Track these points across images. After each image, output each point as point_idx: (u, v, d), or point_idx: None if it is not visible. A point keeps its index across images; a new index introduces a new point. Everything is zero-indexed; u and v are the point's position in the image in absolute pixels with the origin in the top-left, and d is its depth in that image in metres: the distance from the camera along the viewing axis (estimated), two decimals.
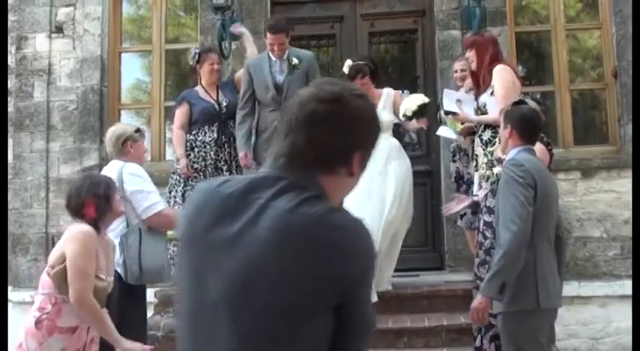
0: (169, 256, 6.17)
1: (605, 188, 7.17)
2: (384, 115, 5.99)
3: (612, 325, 6.84)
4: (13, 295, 7.63)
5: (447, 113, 5.76)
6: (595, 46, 8.01)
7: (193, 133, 6.41)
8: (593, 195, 7.19)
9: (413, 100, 5.95)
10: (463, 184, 6.36)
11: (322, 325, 1.66)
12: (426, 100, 5.98)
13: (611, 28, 7.47)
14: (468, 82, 6.14)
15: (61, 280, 3.55)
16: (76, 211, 3.73)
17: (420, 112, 5.92)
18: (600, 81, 7.79)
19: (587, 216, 7.14)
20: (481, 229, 4.71)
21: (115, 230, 4.39)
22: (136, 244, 4.40)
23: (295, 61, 6.15)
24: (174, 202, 6.34)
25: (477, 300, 4.03)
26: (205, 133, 6.33)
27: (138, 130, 4.85)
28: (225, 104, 6.44)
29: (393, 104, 6.16)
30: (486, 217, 4.62)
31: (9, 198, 7.85)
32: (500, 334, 4.18)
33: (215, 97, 6.48)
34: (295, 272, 1.64)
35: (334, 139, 1.75)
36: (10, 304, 7.56)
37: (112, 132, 4.81)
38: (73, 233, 3.63)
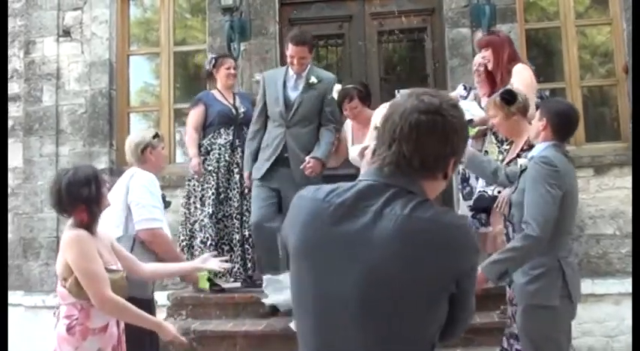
0: None
1: (618, 185, 7.13)
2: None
3: (626, 323, 6.79)
4: (25, 299, 7.65)
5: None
6: (605, 42, 7.96)
7: (209, 136, 6.39)
8: (605, 192, 7.15)
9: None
10: (467, 186, 6.31)
11: (441, 315, 1.90)
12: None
13: (621, 23, 7.43)
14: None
15: (78, 289, 3.52)
16: (64, 212, 3.63)
17: None
18: (611, 77, 7.75)
19: (600, 213, 7.10)
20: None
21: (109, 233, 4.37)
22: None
23: (313, 80, 5.86)
24: (195, 207, 6.33)
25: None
26: (221, 135, 6.31)
27: (156, 136, 4.75)
28: (242, 110, 6.43)
29: None
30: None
31: (20, 203, 7.86)
32: (518, 331, 4.15)
33: (232, 102, 6.47)
34: (418, 270, 1.85)
35: (437, 148, 1.94)
36: (22, 309, 7.58)
37: (130, 140, 4.74)
38: (67, 241, 3.56)
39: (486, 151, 5.44)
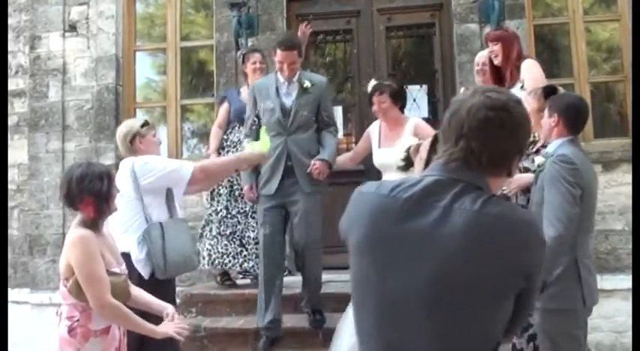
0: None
1: (626, 181, 7.10)
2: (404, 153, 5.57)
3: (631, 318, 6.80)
4: (31, 296, 7.62)
5: None
6: (613, 38, 7.95)
7: (227, 132, 6.52)
8: (614, 188, 7.14)
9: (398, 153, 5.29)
10: None
11: (507, 312, 1.90)
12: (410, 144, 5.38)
13: (629, 19, 7.39)
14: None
15: (78, 290, 3.47)
16: (72, 205, 3.57)
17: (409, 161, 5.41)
18: (619, 73, 7.74)
19: (609, 209, 7.09)
20: None
21: (132, 225, 4.37)
22: (160, 238, 4.34)
23: (307, 83, 5.60)
24: (206, 200, 6.61)
25: None
26: (236, 133, 6.34)
27: (145, 124, 4.69)
28: None
29: (416, 136, 5.36)
30: None
31: (25, 199, 7.82)
32: (537, 332, 4.13)
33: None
34: (487, 266, 1.85)
35: (504, 144, 1.95)
36: (28, 306, 7.55)
37: (119, 131, 4.71)
38: (72, 240, 3.51)
39: None
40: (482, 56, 6.22)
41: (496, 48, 5.61)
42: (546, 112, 4.12)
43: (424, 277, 1.85)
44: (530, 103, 4.61)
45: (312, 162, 5.48)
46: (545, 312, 3.92)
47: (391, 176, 5.17)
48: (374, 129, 5.82)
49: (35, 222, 7.77)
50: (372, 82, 5.78)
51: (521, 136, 1.98)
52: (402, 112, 5.77)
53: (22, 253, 7.75)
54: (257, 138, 5.38)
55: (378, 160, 5.66)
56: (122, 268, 3.71)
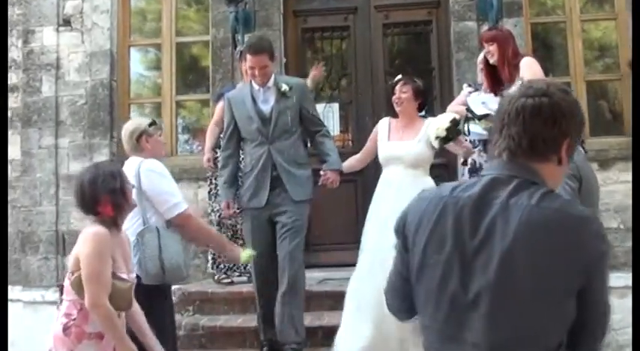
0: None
1: (622, 179, 7.14)
2: (417, 149, 5.35)
3: (631, 316, 6.82)
4: (23, 294, 7.55)
5: (481, 118, 5.77)
6: (607, 37, 7.97)
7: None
8: (610, 186, 7.15)
9: (439, 123, 5.28)
10: (476, 177, 6.28)
11: (569, 310, 1.89)
12: (452, 117, 5.32)
13: (627, 18, 7.41)
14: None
15: (79, 286, 3.42)
16: (90, 209, 3.53)
17: (452, 133, 5.26)
18: (613, 72, 7.77)
19: (605, 207, 7.08)
20: None
21: (130, 228, 4.30)
22: (154, 242, 4.23)
23: (285, 87, 5.28)
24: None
25: None
26: None
27: (153, 124, 4.61)
28: None
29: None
30: None
31: (18, 196, 7.74)
32: None
33: None
34: (550, 260, 1.86)
35: (544, 129, 1.97)
36: (20, 304, 7.49)
37: (125, 128, 4.62)
38: (85, 235, 3.46)
39: None
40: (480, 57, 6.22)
41: (492, 48, 5.62)
42: None
43: (486, 274, 1.90)
44: None
45: (322, 172, 5.28)
46: None
47: (396, 170, 5.24)
48: (383, 125, 5.64)
49: (28, 219, 7.69)
50: (398, 77, 5.70)
51: (563, 122, 1.98)
52: (420, 111, 5.64)
53: (14, 251, 7.66)
54: (237, 148, 5.46)
55: (385, 152, 5.44)
56: (131, 277, 3.65)
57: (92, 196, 3.48)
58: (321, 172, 5.28)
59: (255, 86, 5.34)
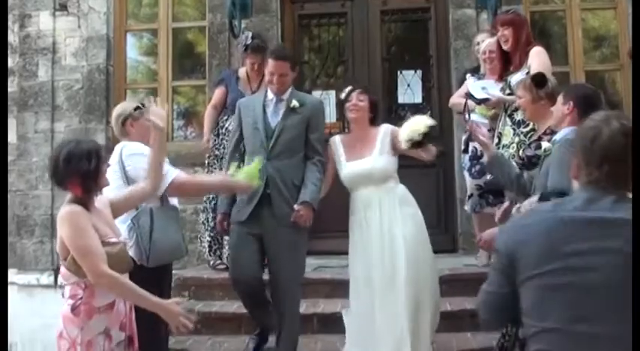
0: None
1: None
2: (382, 161, 4.97)
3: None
4: (18, 277, 7.56)
5: (480, 102, 5.75)
6: (606, 26, 7.94)
7: (223, 118, 6.44)
8: None
9: (416, 126, 4.81)
10: (477, 164, 6.27)
11: None
12: (430, 122, 4.84)
13: (626, 8, 7.39)
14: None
15: (76, 267, 3.44)
16: (60, 184, 3.55)
17: (426, 139, 4.82)
18: (615, 62, 7.75)
19: None
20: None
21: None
22: (147, 224, 4.24)
23: (295, 103, 4.98)
24: None
25: (490, 233, 4.10)
26: (232, 121, 6.23)
27: (138, 107, 4.58)
28: None
29: (393, 143, 5.00)
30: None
31: (13, 180, 7.73)
32: None
33: (254, 89, 6.38)
34: None
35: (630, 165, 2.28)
36: (15, 287, 7.49)
37: (113, 112, 4.66)
38: (61, 217, 3.48)
39: (500, 133, 5.44)
40: (489, 44, 6.13)
41: (507, 32, 5.61)
42: (561, 99, 4.17)
43: (606, 271, 2.17)
44: (522, 96, 4.63)
45: (296, 207, 4.84)
46: None
47: (367, 192, 4.93)
48: (335, 145, 5.16)
49: (23, 203, 7.71)
50: (349, 89, 5.18)
51: None
52: (371, 122, 5.15)
53: (10, 234, 7.65)
54: (242, 160, 5.03)
55: (349, 174, 5.04)
56: (122, 239, 3.67)
57: (64, 174, 3.49)
58: (295, 207, 4.85)
59: (269, 96, 5.08)
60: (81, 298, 3.46)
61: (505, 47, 5.61)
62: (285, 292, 4.94)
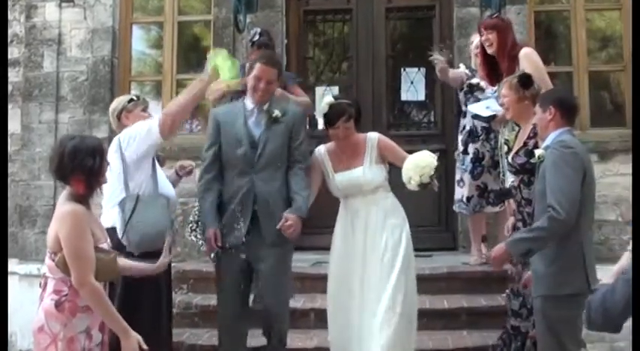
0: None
1: (622, 171, 7.11)
2: (371, 173, 4.85)
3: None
4: (19, 267, 7.58)
5: (488, 120, 5.86)
6: (611, 27, 7.92)
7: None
8: (609, 178, 7.14)
9: (422, 169, 4.65)
10: (479, 166, 6.29)
11: None
12: (435, 162, 4.70)
13: (630, 8, 7.35)
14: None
15: (65, 265, 3.46)
16: (63, 179, 3.58)
17: (432, 179, 4.69)
18: (616, 62, 7.73)
19: (603, 199, 7.07)
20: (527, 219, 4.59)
21: (117, 199, 4.42)
22: (130, 210, 4.35)
23: (277, 113, 4.79)
24: None
25: (499, 249, 4.17)
26: None
27: (132, 100, 4.81)
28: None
29: (381, 154, 4.89)
30: (528, 209, 4.53)
31: (17, 170, 7.76)
32: (536, 319, 4.19)
33: None
34: None
35: None
36: (16, 277, 7.52)
37: (110, 108, 4.88)
38: (62, 214, 3.50)
39: (507, 140, 5.45)
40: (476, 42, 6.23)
41: (491, 36, 5.63)
42: (539, 108, 4.26)
43: None
44: (507, 95, 4.65)
45: (284, 215, 4.67)
46: (549, 299, 4.03)
47: (355, 202, 4.85)
48: (322, 157, 5.00)
49: (26, 193, 7.73)
50: (329, 100, 4.92)
51: None
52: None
53: (12, 224, 7.69)
54: (221, 171, 4.84)
55: (338, 186, 4.91)
56: (108, 243, 3.72)
57: (68, 169, 3.52)
58: (284, 215, 4.68)
59: (249, 106, 4.87)
60: (66, 294, 3.49)
61: (489, 51, 5.63)
62: (275, 317, 4.80)
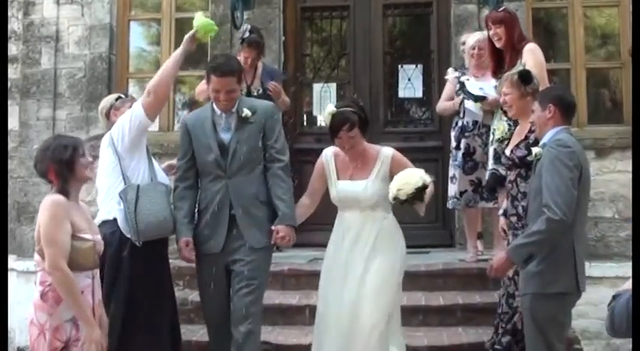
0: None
1: (619, 168, 7.12)
2: (373, 189, 4.64)
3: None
4: (17, 264, 7.59)
5: (477, 100, 5.83)
6: (609, 24, 7.91)
7: None
8: (606, 175, 7.14)
9: (408, 181, 4.39)
10: (470, 161, 6.31)
11: None
12: (427, 180, 4.43)
13: (628, 5, 7.35)
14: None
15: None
16: (41, 174, 3.77)
17: (417, 196, 4.39)
18: (614, 59, 7.73)
19: (600, 196, 7.08)
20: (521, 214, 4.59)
21: (116, 191, 4.41)
22: (133, 199, 4.34)
23: (247, 112, 4.58)
24: None
25: (499, 259, 4.13)
26: None
27: (120, 97, 4.86)
28: (255, 94, 6.33)
29: (391, 171, 4.63)
30: (524, 203, 4.52)
31: (15, 166, 7.77)
32: (524, 317, 4.20)
33: (249, 82, 6.44)
34: None
35: None
36: (14, 274, 7.52)
37: (98, 108, 4.95)
38: (42, 205, 3.66)
39: (494, 129, 5.49)
40: (479, 41, 6.18)
41: (499, 31, 5.61)
42: (537, 106, 4.26)
43: None
44: (509, 93, 4.65)
45: (274, 228, 4.54)
46: (537, 296, 4.02)
47: (351, 216, 4.67)
48: (328, 161, 4.81)
49: (24, 189, 7.75)
50: (331, 110, 4.68)
51: None
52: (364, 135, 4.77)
53: (10, 221, 7.69)
54: (197, 179, 4.71)
55: (338, 194, 4.73)
56: (96, 238, 3.80)
57: (45, 163, 3.71)
58: (273, 228, 4.55)
59: (217, 111, 4.66)
60: (49, 284, 3.58)
61: (498, 45, 5.62)
62: (245, 317, 4.52)
